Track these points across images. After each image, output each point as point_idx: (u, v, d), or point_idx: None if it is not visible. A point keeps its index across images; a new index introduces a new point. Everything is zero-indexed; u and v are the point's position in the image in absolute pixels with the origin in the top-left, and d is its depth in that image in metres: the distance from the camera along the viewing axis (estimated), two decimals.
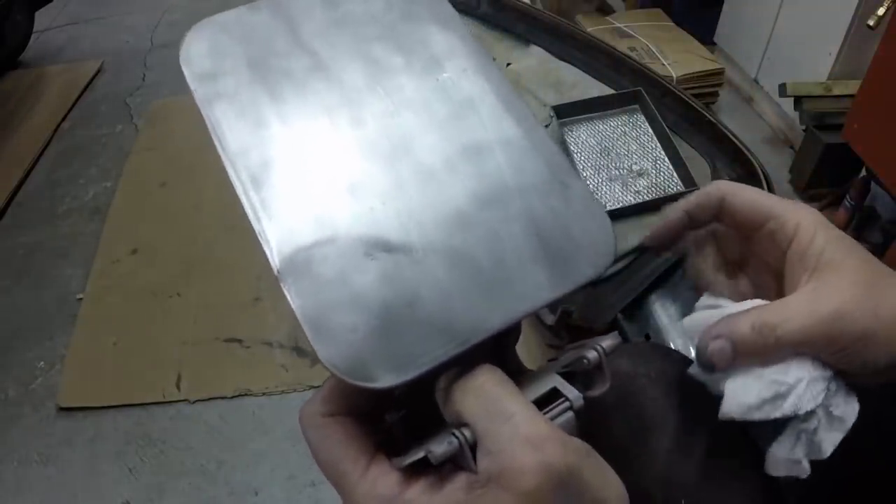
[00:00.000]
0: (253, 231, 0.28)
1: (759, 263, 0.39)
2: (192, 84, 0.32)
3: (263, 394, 1.66)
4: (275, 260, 0.28)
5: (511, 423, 0.25)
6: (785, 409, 0.32)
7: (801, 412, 0.32)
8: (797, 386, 0.32)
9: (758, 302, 0.35)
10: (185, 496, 1.48)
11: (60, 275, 2.04)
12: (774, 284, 0.38)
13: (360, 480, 0.27)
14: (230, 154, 0.30)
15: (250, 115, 0.32)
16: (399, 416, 0.31)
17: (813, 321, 0.32)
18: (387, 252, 0.28)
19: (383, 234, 0.29)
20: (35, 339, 1.85)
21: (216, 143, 0.31)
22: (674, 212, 0.39)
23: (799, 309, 0.33)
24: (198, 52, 0.33)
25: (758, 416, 0.32)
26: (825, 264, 0.34)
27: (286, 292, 0.27)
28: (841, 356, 0.33)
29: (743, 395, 0.33)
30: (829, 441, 0.33)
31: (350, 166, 0.31)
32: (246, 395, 1.66)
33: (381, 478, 0.27)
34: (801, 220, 0.35)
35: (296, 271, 0.27)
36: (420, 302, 0.27)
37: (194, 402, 1.65)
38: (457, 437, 0.26)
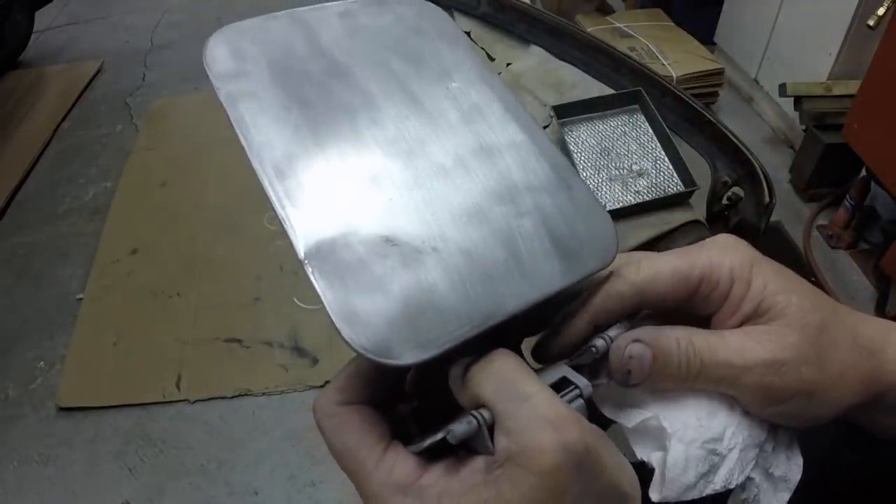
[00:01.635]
0: (278, 218, 0.30)
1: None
2: (217, 83, 0.34)
3: (263, 394, 1.66)
4: (299, 246, 0.29)
5: (529, 403, 0.25)
6: (716, 484, 0.30)
7: (732, 485, 0.30)
8: (728, 456, 0.30)
9: None
10: (185, 496, 1.48)
11: (60, 275, 2.05)
12: None
13: (377, 467, 0.27)
14: (254, 147, 0.32)
15: (272, 112, 0.33)
16: (411, 408, 0.32)
17: (745, 363, 0.29)
18: (407, 241, 0.30)
19: (403, 224, 0.30)
20: (35, 339, 1.86)
21: (240, 137, 0.32)
22: (576, 326, 0.32)
23: (732, 345, 0.29)
24: (221, 55, 0.35)
25: (692, 495, 0.29)
26: (766, 310, 0.30)
27: (311, 277, 0.28)
28: (777, 412, 0.30)
29: (683, 474, 0.29)
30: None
31: (370, 161, 0.32)
32: (246, 395, 1.66)
33: (398, 464, 0.27)
34: (734, 265, 0.31)
35: (320, 257, 0.29)
36: (439, 287, 0.29)
37: (194, 402, 1.65)
38: (476, 418, 0.26)
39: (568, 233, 0.32)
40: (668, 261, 0.32)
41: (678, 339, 0.30)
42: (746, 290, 0.30)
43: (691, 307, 0.32)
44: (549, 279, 0.30)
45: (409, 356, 0.26)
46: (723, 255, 0.31)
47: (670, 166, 0.91)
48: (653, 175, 0.90)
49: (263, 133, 0.32)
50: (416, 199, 0.31)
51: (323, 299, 0.27)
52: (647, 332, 0.30)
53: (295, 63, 0.35)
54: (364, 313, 0.27)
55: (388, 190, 0.31)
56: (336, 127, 0.33)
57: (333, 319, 0.27)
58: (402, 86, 0.36)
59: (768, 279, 0.30)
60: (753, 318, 0.30)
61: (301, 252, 0.29)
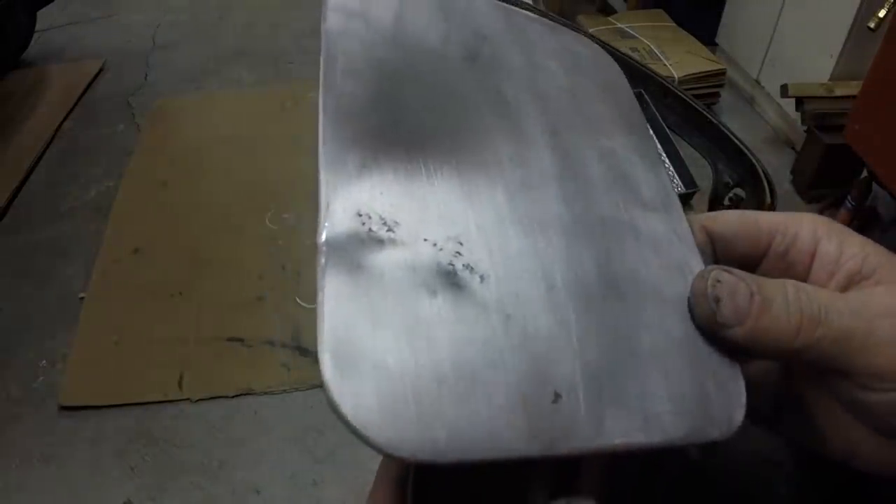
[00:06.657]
0: (316, 184, 0.23)
1: None
2: (327, 10, 0.29)
3: (265, 393, 1.66)
4: (323, 226, 0.21)
5: None
6: None
7: None
8: None
9: None
10: (187, 495, 1.48)
11: (62, 274, 2.05)
12: None
13: None
14: (329, 93, 0.26)
15: (369, 69, 0.27)
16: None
17: (876, 313, 0.23)
18: (475, 285, 0.21)
19: (471, 263, 0.22)
20: (37, 337, 1.86)
21: (321, 78, 0.26)
22: None
23: (854, 299, 0.24)
24: None
25: None
26: (872, 269, 0.25)
27: (319, 276, 0.20)
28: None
29: None
30: None
31: (456, 166, 0.25)
32: (248, 394, 1.66)
33: None
34: (816, 223, 0.27)
35: (341, 250, 0.21)
36: (504, 367, 0.20)
37: (196, 401, 1.66)
38: None
39: (688, 381, 0.23)
40: (736, 211, 0.29)
41: (786, 284, 0.24)
42: (839, 247, 0.26)
43: (772, 270, 0.28)
44: (663, 426, 0.22)
45: (415, 449, 0.18)
46: (801, 215, 0.28)
47: (671, 167, 0.91)
48: None
49: (349, 84, 0.26)
50: (503, 242, 0.23)
51: (319, 310, 0.19)
52: (749, 276, 0.24)
53: (426, 33, 0.29)
54: (371, 361, 0.19)
55: (464, 213, 0.23)
56: (442, 116, 0.26)
57: (320, 350, 0.19)
58: (543, 106, 0.29)
59: (863, 240, 0.26)
60: (860, 278, 0.25)
61: (321, 240, 0.21)
